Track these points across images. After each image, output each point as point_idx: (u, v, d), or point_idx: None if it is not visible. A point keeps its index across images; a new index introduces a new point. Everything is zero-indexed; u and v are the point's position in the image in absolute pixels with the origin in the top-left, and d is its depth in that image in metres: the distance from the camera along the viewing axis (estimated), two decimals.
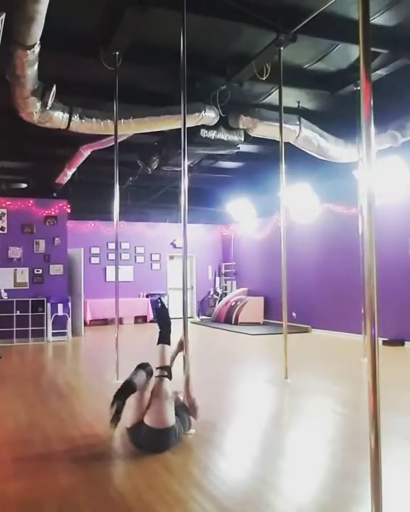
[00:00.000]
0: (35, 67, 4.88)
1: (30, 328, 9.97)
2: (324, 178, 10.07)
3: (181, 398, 4.07)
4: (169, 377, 3.78)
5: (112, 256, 13.14)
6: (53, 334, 10.22)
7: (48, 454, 3.55)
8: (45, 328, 10.18)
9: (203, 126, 6.79)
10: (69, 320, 10.44)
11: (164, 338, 4.04)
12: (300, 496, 2.82)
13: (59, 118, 6.03)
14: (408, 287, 8.65)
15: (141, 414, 3.55)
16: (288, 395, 5.43)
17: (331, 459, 3.50)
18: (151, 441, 3.47)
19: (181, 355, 4.25)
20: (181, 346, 4.25)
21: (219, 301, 14.40)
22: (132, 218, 13.51)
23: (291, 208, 11.04)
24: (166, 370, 3.80)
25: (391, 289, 8.42)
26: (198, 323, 13.42)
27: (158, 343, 4.02)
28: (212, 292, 15.16)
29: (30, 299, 10.12)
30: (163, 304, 4.57)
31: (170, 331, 4.12)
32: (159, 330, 4.14)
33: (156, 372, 3.77)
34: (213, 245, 15.46)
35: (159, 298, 4.43)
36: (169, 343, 4.03)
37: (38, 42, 4.46)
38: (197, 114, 6.40)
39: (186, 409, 3.93)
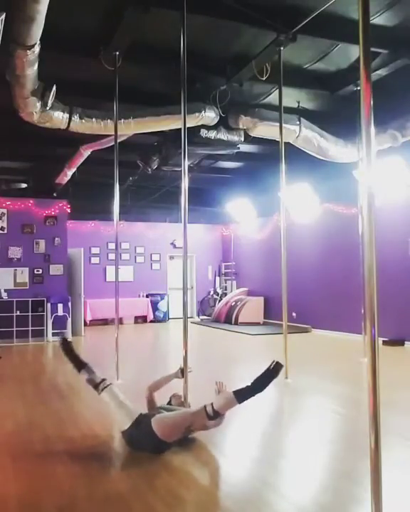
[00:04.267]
0: (35, 67, 4.89)
1: (30, 328, 9.96)
2: (324, 178, 10.06)
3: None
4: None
5: (112, 256, 13.12)
6: (53, 334, 10.19)
7: (48, 454, 3.55)
8: (45, 328, 10.17)
9: (203, 126, 6.80)
10: (69, 320, 10.42)
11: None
12: (299, 496, 2.82)
13: (59, 118, 6.03)
14: (408, 287, 8.65)
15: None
16: (288, 395, 5.43)
17: (331, 459, 3.50)
18: (147, 441, 3.41)
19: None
20: (181, 374, 4.18)
21: (219, 301, 14.39)
22: (132, 218, 13.51)
23: (291, 208, 11.03)
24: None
25: (391, 289, 8.41)
26: (198, 323, 13.40)
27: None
28: (212, 292, 15.16)
29: (30, 299, 10.11)
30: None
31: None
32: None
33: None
34: (213, 245, 15.45)
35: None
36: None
37: (38, 42, 4.46)
38: (197, 114, 6.41)
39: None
